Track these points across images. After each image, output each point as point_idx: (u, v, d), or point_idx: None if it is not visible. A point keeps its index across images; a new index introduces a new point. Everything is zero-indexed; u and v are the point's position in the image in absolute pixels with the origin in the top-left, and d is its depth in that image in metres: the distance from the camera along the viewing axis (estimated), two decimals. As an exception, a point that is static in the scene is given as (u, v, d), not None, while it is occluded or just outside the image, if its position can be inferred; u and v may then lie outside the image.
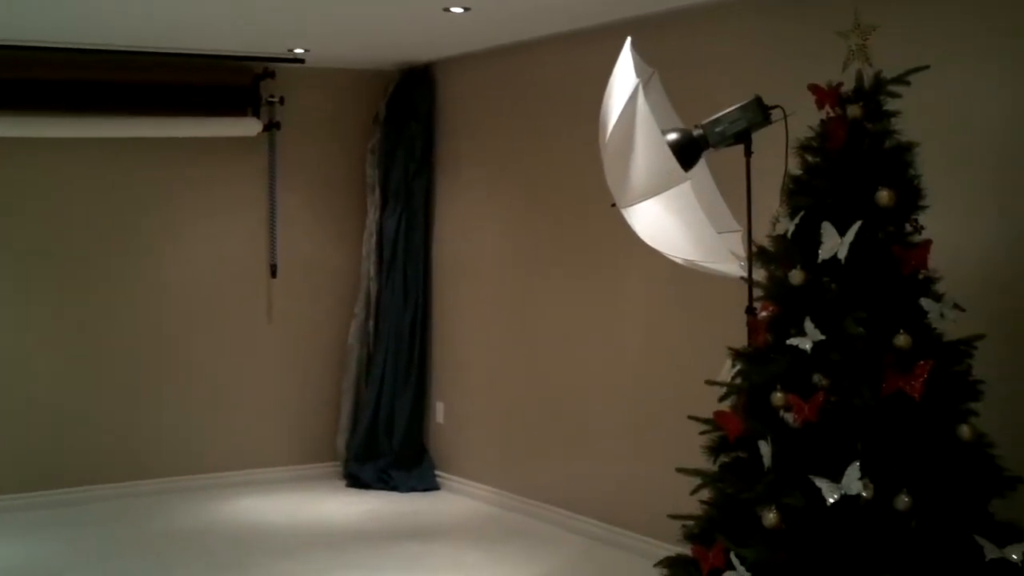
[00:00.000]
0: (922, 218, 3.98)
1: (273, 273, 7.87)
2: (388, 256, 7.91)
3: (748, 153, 4.49)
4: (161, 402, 7.59)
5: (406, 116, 7.88)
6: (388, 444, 7.85)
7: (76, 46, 6.89)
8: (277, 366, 7.92)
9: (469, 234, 7.64)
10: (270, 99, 7.74)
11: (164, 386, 7.61)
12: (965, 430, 3.82)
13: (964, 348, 3.92)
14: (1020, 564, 3.72)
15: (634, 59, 4.53)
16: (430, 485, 7.75)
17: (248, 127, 7.64)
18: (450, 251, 7.82)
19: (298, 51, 7.32)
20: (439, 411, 7.88)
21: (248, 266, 7.84)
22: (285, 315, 7.94)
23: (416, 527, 6.83)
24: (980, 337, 3.94)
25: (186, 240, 7.65)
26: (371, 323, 8.00)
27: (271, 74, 7.69)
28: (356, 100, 8.07)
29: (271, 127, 7.76)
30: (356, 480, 7.80)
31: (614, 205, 4.62)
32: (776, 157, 4.32)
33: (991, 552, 3.73)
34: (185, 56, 7.29)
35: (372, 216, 7.99)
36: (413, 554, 6.24)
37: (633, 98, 4.37)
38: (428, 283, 7.97)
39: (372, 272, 7.98)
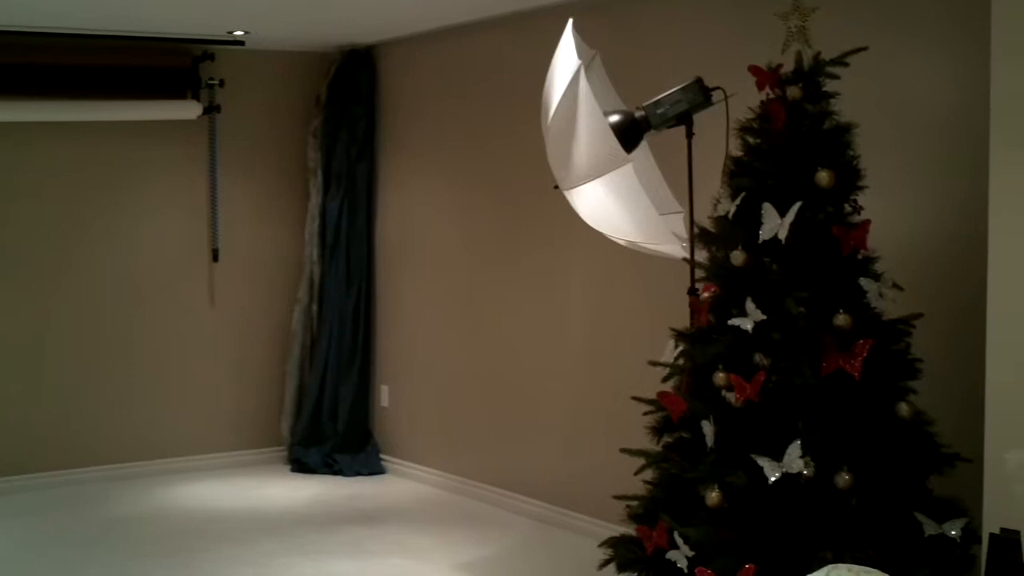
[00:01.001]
0: (861, 198, 4.02)
1: (215, 257, 7.81)
2: (331, 240, 7.87)
3: (689, 135, 4.51)
4: (103, 389, 7.52)
5: (348, 99, 7.84)
6: (333, 428, 7.83)
7: (10, 28, 6.78)
8: (220, 351, 7.87)
9: (413, 217, 7.62)
10: (210, 82, 7.66)
11: (106, 373, 7.53)
12: (904, 408, 3.87)
13: (903, 327, 3.97)
14: (958, 540, 3.78)
15: (576, 41, 4.54)
16: (375, 469, 7.73)
17: (188, 110, 7.56)
18: (394, 234, 7.80)
19: (238, 33, 7.26)
20: (384, 395, 7.87)
21: (189, 250, 7.77)
22: (227, 300, 7.89)
23: (362, 511, 6.81)
24: (918, 316, 3.99)
25: (126, 225, 7.56)
26: (314, 307, 7.96)
27: (211, 56, 7.62)
28: (297, 83, 8.01)
29: (211, 110, 7.69)
30: (301, 465, 7.78)
31: (557, 187, 4.62)
32: (717, 139, 4.34)
33: (930, 528, 3.78)
34: (123, 39, 7.20)
35: (315, 200, 7.94)
36: (359, 538, 6.22)
37: (575, 80, 4.37)
38: (372, 267, 7.95)
39: (315, 256, 7.94)
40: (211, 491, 7.23)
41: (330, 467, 7.71)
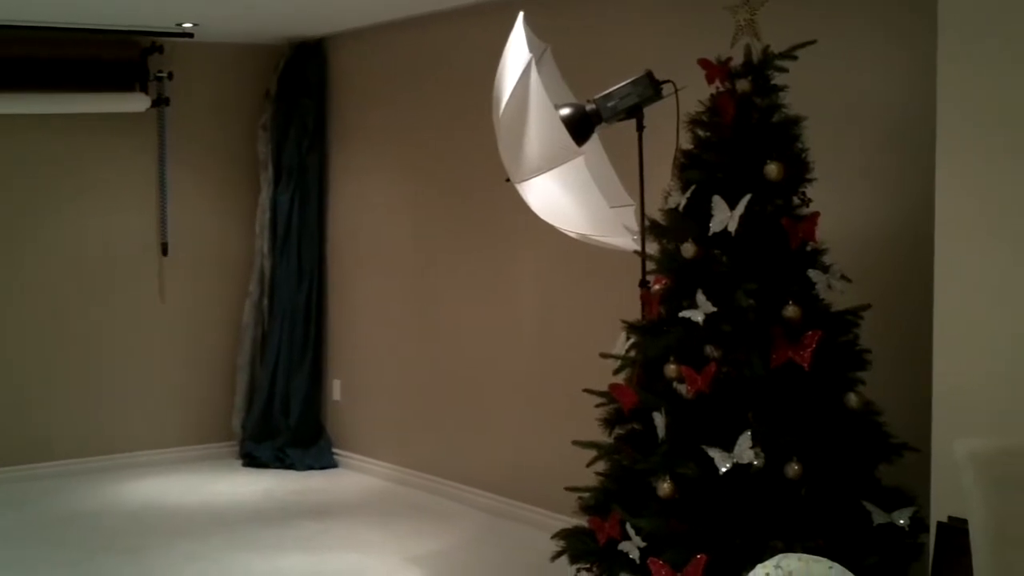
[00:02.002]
0: (810, 191, 4.06)
1: (164, 251, 7.75)
2: (282, 233, 7.84)
3: (640, 128, 4.53)
4: (53, 384, 7.44)
5: (298, 91, 7.80)
6: (284, 422, 7.81)
7: (-44, 20, 6.71)
8: (170, 345, 7.81)
9: (364, 210, 7.60)
10: (158, 74, 7.60)
11: (56, 368, 7.46)
12: (853, 398, 3.90)
13: (851, 318, 4.01)
14: (907, 528, 3.82)
15: (527, 34, 4.54)
16: (327, 463, 7.71)
17: (136, 103, 7.49)
18: (345, 227, 7.77)
19: (187, 25, 7.19)
20: (336, 388, 7.84)
21: (139, 244, 7.71)
22: (178, 294, 7.83)
23: (314, 505, 6.79)
24: (866, 307, 4.03)
25: (74, 218, 7.49)
26: (265, 301, 7.92)
27: (159, 49, 7.55)
28: (247, 75, 7.96)
29: (160, 103, 7.62)
30: (252, 459, 7.74)
31: (508, 180, 4.63)
32: (668, 132, 4.36)
33: (879, 517, 3.82)
34: (70, 30, 7.12)
35: (265, 193, 7.91)
36: (311, 532, 6.21)
37: (526, 73, 4.38)
38: (323, 260, 7.92)
39: (266, 249, 7.90)
40: (162, 486, 7.19)
41: (282, 461, 7.68)
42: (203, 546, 5.95)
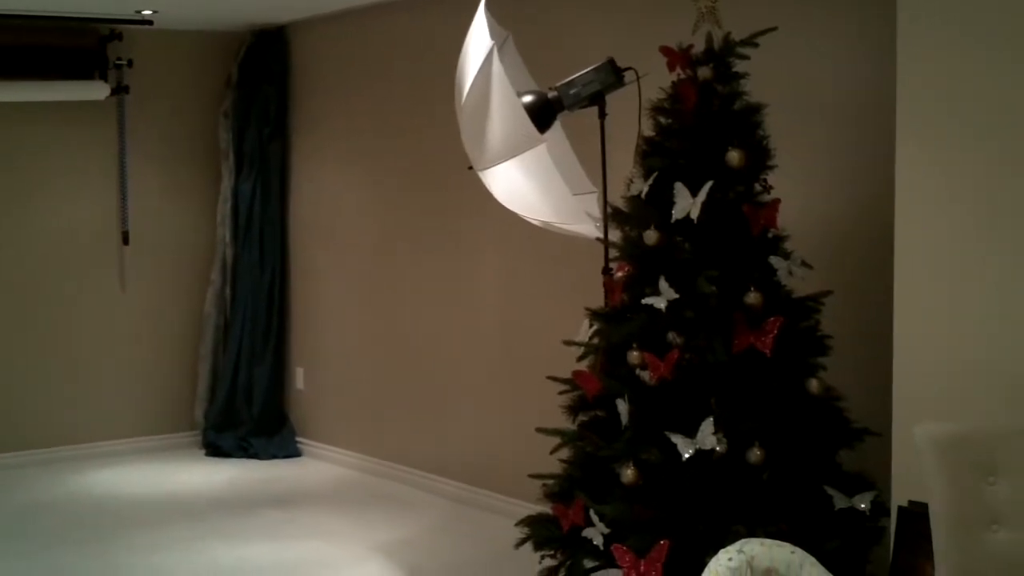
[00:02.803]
0: (771, 178, 4.07)
1: (125, 240, 7.69)
2: (244, 222, 7.80)
3: (602, 115, 4.53)
4: (13, 375, 7.38)
5: (259, 79, 7.76)
6: (247, 412, 7.78)
7: (-89, 7, 6.62)
8: (132, 335, 7.76)
9: (326, 198, 7.57)
10: (118, 62, 7.53)
11: (16, 358, 7.40)
12: (814, 384, 3.93)
13: (812, 304, 4.03)
14: (868, 513, 3.85)
15: (488, 22, 4.53)
16: (291, 452, 7.69)
17: (95, 91, 7.43)
18: (307, 216, 7.75)
19: (146, 12, 7.13)
20: (299, 377, 7.82)
21: (99, 233, 7.65)
22: (139, 283, 7.78)
23: (278, 494, 6.78)
24: (827, 293, 4.05)
25: (34, 208, 7.42)
26: (228, 290, 7.89)
27: (118, 36, 7.49)
28: (207, 63, 7.91)
29: (120, 91, 7.56)
30: (216, 449, 7.71)
31: (471, 168, 4.62)
32: (630, 119, 4.37)
33: (840, 502, 3.85)
34: (28, 17, 7.05)
35: (227, 181, 7.86)
36: (275, 522, 6.20)
37: (488, 61, 4.37)
38: (285, 248, 7.89)
39: (228, 238, 7.86)
40: (125, 477, 7.15)
41: (245, 451, 7.65)
42: (167, 536, 5.92)
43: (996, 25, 3.54)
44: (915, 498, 3.66)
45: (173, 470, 7.34)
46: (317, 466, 7.45)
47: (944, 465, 3.29)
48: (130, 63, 7.56)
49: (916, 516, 3.62)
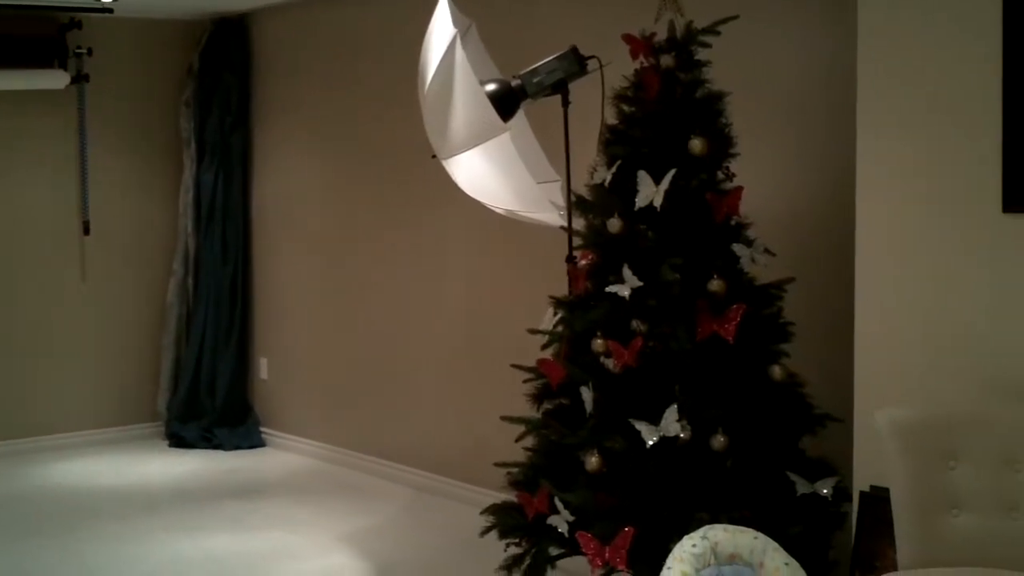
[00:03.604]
0: (733, 165, 4.09)
1: (86, 230, 7.64)
2: (206, 211, 7.76)
3: (565, 103, 4.54)
4: (-29, 366, 7.34)
5: (221, 68, 7.72)
6: (211, 402, 7.75)
7: None
8: (94, 326, 7.71)
9: (289, 187, 7.54)
10: (78, 50, 7.47)
11: (-26, 350, 7.36)
12: (777, 371, 3.95)
13: (774, 291, 4.05)
14: (830, 498, 3.88)
15: (451, 10, 4.53)
16: (255, 442, 7.67)
17: (55, 79, 7.37)
18: (271, 205, 7.71)
19: (106, 0, 7.08)
20: (263, 367, 7.80)
21: (59, 224, 7.59)
22: (100, 274, 7.73)
23: (242, 485, 6.76)
24: (789, 280, 4.07)
25: (-8, 198, 7.38)
26: (190, 280, 7.85)
27: (78, 24, 7.43)
28: (168, 51, 7.86)
29: (79, 79, 7.50)
30: (179, 440, 7.68)
31: (435, 156, 4.62)
32: (593, 107, 4.37)
33: (803, 487, 3.88)
34: (-15, 6, 7.00)
35: (188, 171, 7.82)
36: (239, 513, 6.18)
37: (451, 49, 4.36)
38: (248, 238, 7.85)
39: (190, 228, 7.82)
40: (88, 468, 7.11)
41: (209, 441, 7.63)
42: (130, 528, 5.90)
43: (955, 14, 3.57)
44: (876, 483, 3.69)
45: (136, 461, 7.30)
46: (281, 456, 7.43)
47: (905, 450, 3.32)
48: (90, 51, 7.50)
49: (877, 501, 3.65)
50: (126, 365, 7.84)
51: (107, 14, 7.40)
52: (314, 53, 7.25)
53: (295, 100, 7.44)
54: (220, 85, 7.71)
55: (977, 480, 3.26)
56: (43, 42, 7.37)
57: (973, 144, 3.53)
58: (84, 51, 7.48)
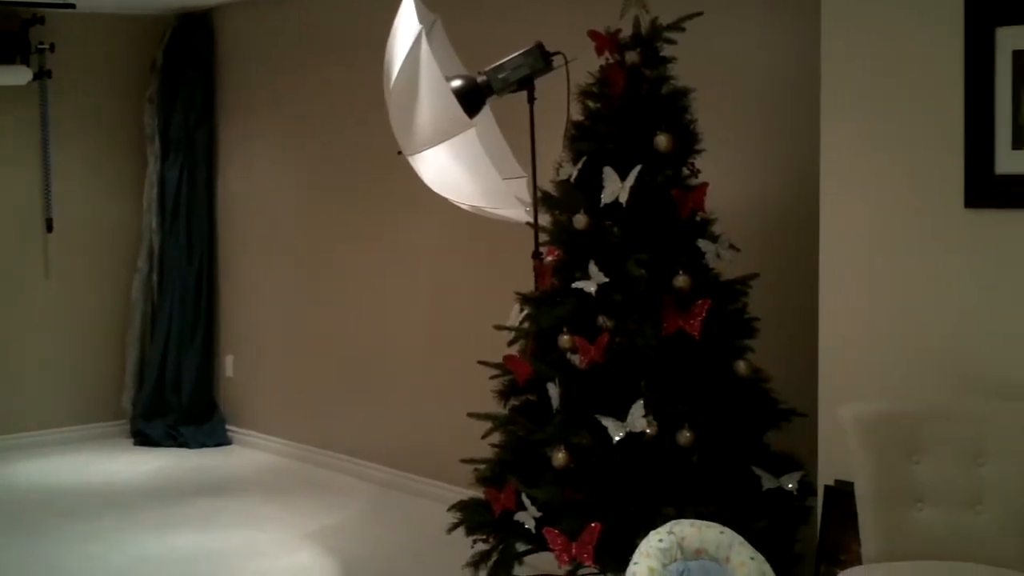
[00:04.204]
0: (698, 162, 4.10)
1: (49, 227, 7.59)
2: (171, 208, 7.73)
3: (531, 99, 4.54)
4: (-67, 365, 7.29)
5: (185, 64, 7.68)
6: (176, 400, 7.72)
7: None
8: (57, 324, 7.66)
9: (255, 184, 7.51)
10: (40, 46, 7.42)
11: (-64, 348, 7.30)
12: (742, 366, 3.96)
13: (740, 287, 4.06)
14: (795, 492, 3.90)
15: (417, 6, 4.52)
16: (221, 440, 7.64)
17: (17, 76, 7.31)
18: (235, 201, 7.68)
19: (69, -4, 7.06)
20: (228, 365, 7.76)
21: (22, 221, 7.54)
22: (64, 271, 7.68)
23: (208, 483, 6.73)
24: (754, 276, 4.09)
25: (-46, 195, 7.32)
26: (155, 277, 7.82)
27: (40, 20, 7.37)
28: (132, 47, 7.82)
29: (42, 75, 7.45)
30: (144, 438, 7.64)
31: (400, 153, 4.61)
32: (559, 103, 4.37)
33: (768, 482, 3.89)
34: (-54, 1, 6.94)
35: (153, 167, 7.78)
36: (206, 511, 6.15)
37: (416, 45, 4.36)
38: (213, 235, 7.82)
39: (154, 225, 7.79)
40: (53, 467, 7.07)
41: (174, 439, 7.59)
42: (96, 527, 5.86)
43: (918, 11, 3.59)
44: (841, 477, 3.71)
45: (101, 459, 7.27)
46: (247, 454, 7.41)
47: (869, 445, 3.34)
48: (52, 47, 7.45)
49: (842, 495, 3.67)
50: (90, 363, 7.80)
51: (70, 10, 7.35)
52: (280, 49, 7.22)
53: (260, 96, 7.41)
54: (184, 81, 7.68)
55: (941, 474, 3.29)
56: (5, 38, 7.31)
57: (936, 141, 3.56)
58: (47, 47, 7.43)
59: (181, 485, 6.67)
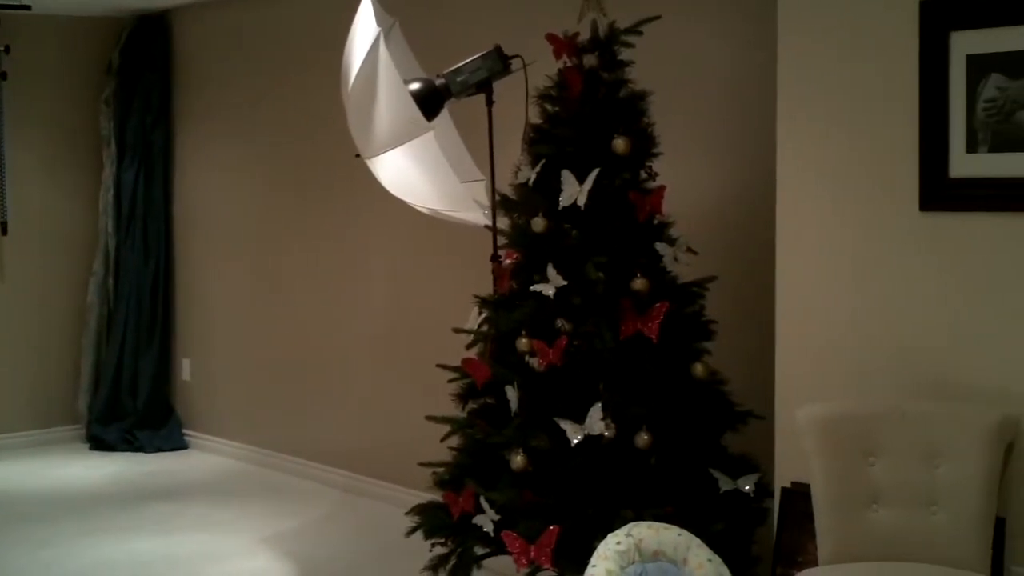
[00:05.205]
0: (656, 165, 4.11)
1: (4, 230, 7.51)
2: (127, 211, 7.68)
3: (489, 102, 4.54)
4: None
5: (142, 66, 7.64)
6: (132, 404, 7.66)
7: None
8: (12, 328, 7.59)
9: (212, 187, 7.47)
10: (-6, 48, 7.37)
11: None
12: (699, 368, 3.97)
13: (697, 290, 4.08)
14: (752, 494, 3.92)
15: (375, 8, 4.52)
16: (178, 444, 7.60)
17: (-29, 77, 7.26)
18: (193, 204, 7.64)
19: (24, -3, 6.99)
20: (185, 368, 7.72)
21: (-24, 224, 7.48)
22: (19, 274, 7.61)
23: (165, 487, 6.69)
24: (712, 279, 4.11)
25: (-94, 197, 7.23)
26: (111, 280, 7.76)
27: (-6, 21, 7.32)
28: (88, 49, 7.76)
29: (-4, 77, 7.40)
30: (100, 442, 7.58)
31: (358, 155, 4.60)
32: (517, 106, 4.38)
33: (725, 484, 3.91)
34: (-102, 1, 6.86)
35: (109, 170, 7.73)
36: (162, 515, 6.11)
37: (374, 47, 4.35)
38: (170, 238, 7.77)
39: (110, 228, 7.73)
40: (7, 472, 7.00)
41: (131, 443, 7.54)
42: (53, 532, 5.81)
43: (874, 16, 3.62)
44: (798, 479, 3.73)
45: (57, 464, 7.21)
46: (204, 458, 7.37)
47: (825, 446, 3.36)
48: (7, 49, 7.37)
49: (798, 496, 3.69)
50: (46, 367, 7.73)
51: (25, 11, 7.27)
52: (237, 51, 7.19)
53: (217, 98, 7.38)
54: (141, 83, 7.63)
55: (896, 476, 3.31)
56: (-42, 39, 7.26)
57: (891, 144, 3.58)
58: (2, 49, 7.35)
59: (138, 490, 6.63)
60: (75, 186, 7.79)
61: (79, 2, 7.30)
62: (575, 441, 3.79)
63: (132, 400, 7.67)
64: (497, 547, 4.01)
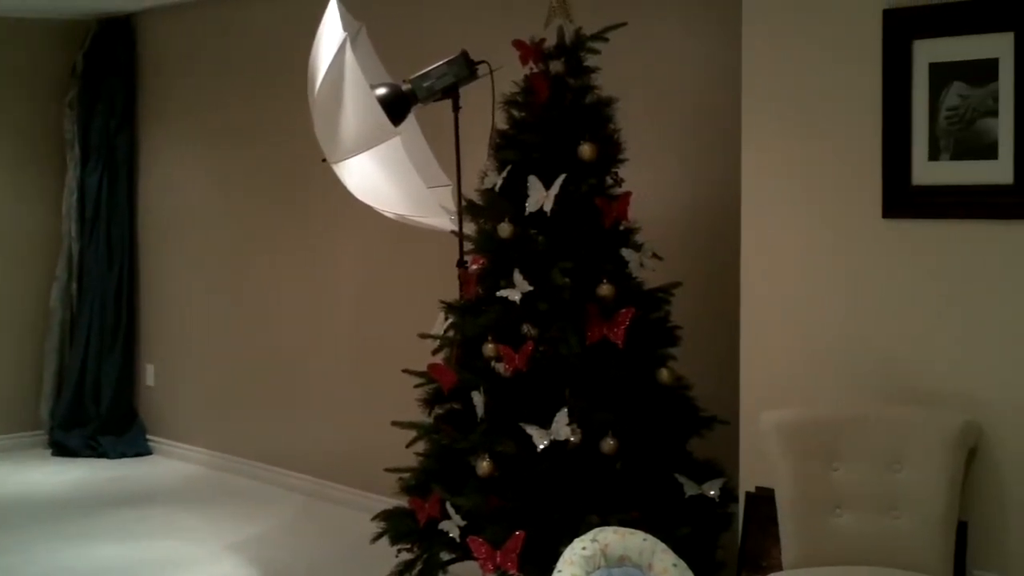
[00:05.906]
0: (622, 171, 4.13)
1: (-34, 234, 7.48)
2: (91, 215, 7.63)
3: (456, 108, 4.55)
4: None
5: (106, 69, 7.60)
6: (95, 409, 7.61)
7: None
8: (-27, 332, 7.55)
9: (177, 190, 7.44)
10: (-44, 50, 7.32)
11: None
12: (664, 374, 3.99)
13: (662, 295, 4.10)
14: (717, 499, 3.93)
15: (341, 13, 4.51)
16: (141, 450, 7.55)
17: (-68, 80, 7.20)
18: (157, 208, 7.60)
19: (-14, -1, 6.94)
20: (149, 373, 7.68)
21: (-63, 228, 7.42)
22: (-20, 278, 7.57)
23: (128, 493, 6.65)
24: (677, 285, 4.12)
25: None
26: (74, 285, 7.71)
27: (-43, 24, 7.27)
28: (52, 52, 7.71)
29: (-42, 80, 7.35)
30: (62, 448, 7.53)
31: (325, 160, 4.59)
32: (484, 112, 4.38)
33: (691, 489, 3.93)
34: None
35: (72, 173, 7.68)
36: (126, 521, 6.08)
37: (341, 52, 4.35)
38: (134, 242, 7.73)
39: (74, 232, 7.68)
40: (-34, 478, 6.95)
41: (94, 449, 7.50)
42: (14, 539, 5.77)
43: (837, 25, 3.65)
44: (762, 484, 3.75)
45: (19, 470, 7.15)
46: (168, 464, 7.33)
47: (789, 451, 3.38)
48: (-31, 51, 7.34)
49: (763, 501, 3.71)
50: (7, 372, 7.67)
51: (-13, 13, 7.25)
52: (202, 55, 7.17)
53: (182, 103, 7.34)
54: (105, 86, 7.59)
55: (859, 480, 3.34)
56: (-80, 41, 7.20)
57: (855, 151, 3.61)
58: (-37, 51, 7.33)
59: (101, 496, 6.59)
60: (38, 189, 7.74)
61: (43, 5, 7.26)
62: (541, 447, 3.79)
63: (95, 405, 7.62)
64: (463, 552, 4.01)
